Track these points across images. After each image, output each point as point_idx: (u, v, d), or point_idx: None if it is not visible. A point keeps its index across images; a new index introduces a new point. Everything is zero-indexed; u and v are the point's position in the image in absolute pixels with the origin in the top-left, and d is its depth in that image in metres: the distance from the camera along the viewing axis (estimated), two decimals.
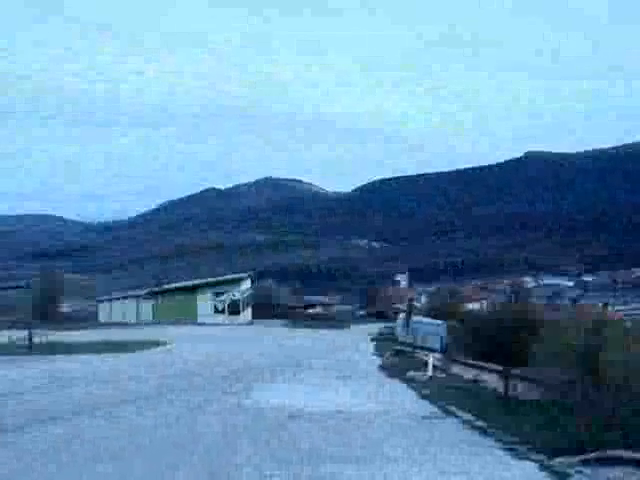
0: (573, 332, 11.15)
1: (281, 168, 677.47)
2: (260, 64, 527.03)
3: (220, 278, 69.70)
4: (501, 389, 15.82)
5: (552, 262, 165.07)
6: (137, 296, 64.52)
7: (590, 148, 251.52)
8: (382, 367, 23.88)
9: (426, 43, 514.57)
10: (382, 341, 38.16)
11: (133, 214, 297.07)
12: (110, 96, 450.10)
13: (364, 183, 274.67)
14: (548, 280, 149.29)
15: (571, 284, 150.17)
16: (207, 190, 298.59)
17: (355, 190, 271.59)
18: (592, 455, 8.94)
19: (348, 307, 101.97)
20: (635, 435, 9.29)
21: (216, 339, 39.40)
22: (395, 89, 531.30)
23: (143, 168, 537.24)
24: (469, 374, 20.26)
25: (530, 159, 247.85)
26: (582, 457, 8.96)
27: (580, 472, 8.48)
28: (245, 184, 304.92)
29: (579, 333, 10.84)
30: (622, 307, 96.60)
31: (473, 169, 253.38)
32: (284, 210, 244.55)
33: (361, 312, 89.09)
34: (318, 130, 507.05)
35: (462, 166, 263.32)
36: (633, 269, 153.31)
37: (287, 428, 11.42)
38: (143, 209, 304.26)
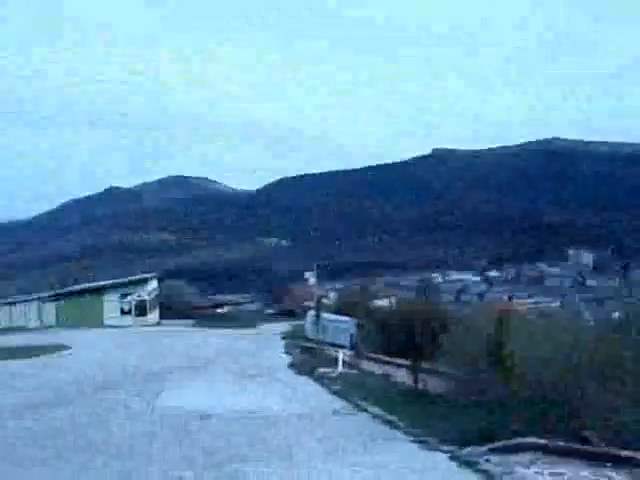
0: (479, 325, 11.47)
1: (187, 166, 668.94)
2: (163, 60, 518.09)
3: (126, 279, 68.13)
4: (411, 383, 16.09)
5: (458, 258, 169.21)
6: (40, 299, 62.35)
7: (501, 144, 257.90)
8: (292, 365, 23.84)
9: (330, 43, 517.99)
10: (291, 339, 38.16)
11: (33, 214, 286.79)
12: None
13: (270, 181, 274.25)
14: (455, 276, 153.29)
15: (477, 279, 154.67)
16: (111, 189, 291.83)
17: (262, 188, 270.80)
18: (500, 443, 9.20)
19: (257, 306, 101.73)
20: (540, 422, 9.61)
21: (121, 341, 38.42)
22: (305, 90, 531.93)
23: (42, 166, 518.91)
24: (379, 369, 20.52)
25: (436, 156, 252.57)
26: (490, 446, 9.20)
27: (488, 460, 8.71)
28: (150, 182, 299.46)
29: (485, 326, 11.15)
30: (526, 300, 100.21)
31: (385, 165, 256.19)
32: (191, 208, 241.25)
33: (270, 311, 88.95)
34: (225, 129, 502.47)
35: (373, 162, 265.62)
36: (537, 264, 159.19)
37: (196, 430, 11.27)
38: (43, 209, 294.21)
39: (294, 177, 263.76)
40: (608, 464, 8.30)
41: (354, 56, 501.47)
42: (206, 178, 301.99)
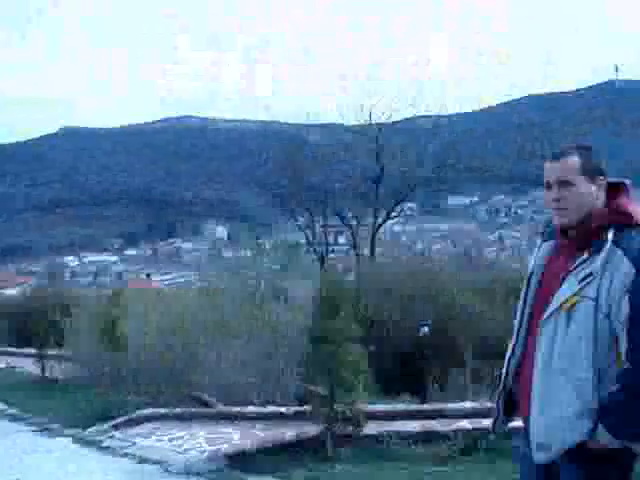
0: (97, 305, 11.64)
1: None
2: None
3: None
4: (38, 373, 15.65)
5: (93, 239, 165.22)
6: None
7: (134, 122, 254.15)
8: None
9: None
10: None
11: None
12: None
13: None
14: (92, 257, 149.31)
15: (114, 259, 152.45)
16: None
17: None
18: (121, 419, 9.53)
19: None
20: (160, 392, 10.14)
21: None
22: None
23: None
24: (3, 362, 19.58)
25: (67, 135, 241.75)
26: (112, 422, 9.49)
27: (112, 437, 9.00)
28: None
29: (100, 305, 11.38)
30: (165, 277, 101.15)
31: (13, 144, 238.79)
32: None
33: None
34: None
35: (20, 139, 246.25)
36: (170, 240, 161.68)
37: None
38: None
39: None
40: (222, 421, 9.10)
41: None
42: None
